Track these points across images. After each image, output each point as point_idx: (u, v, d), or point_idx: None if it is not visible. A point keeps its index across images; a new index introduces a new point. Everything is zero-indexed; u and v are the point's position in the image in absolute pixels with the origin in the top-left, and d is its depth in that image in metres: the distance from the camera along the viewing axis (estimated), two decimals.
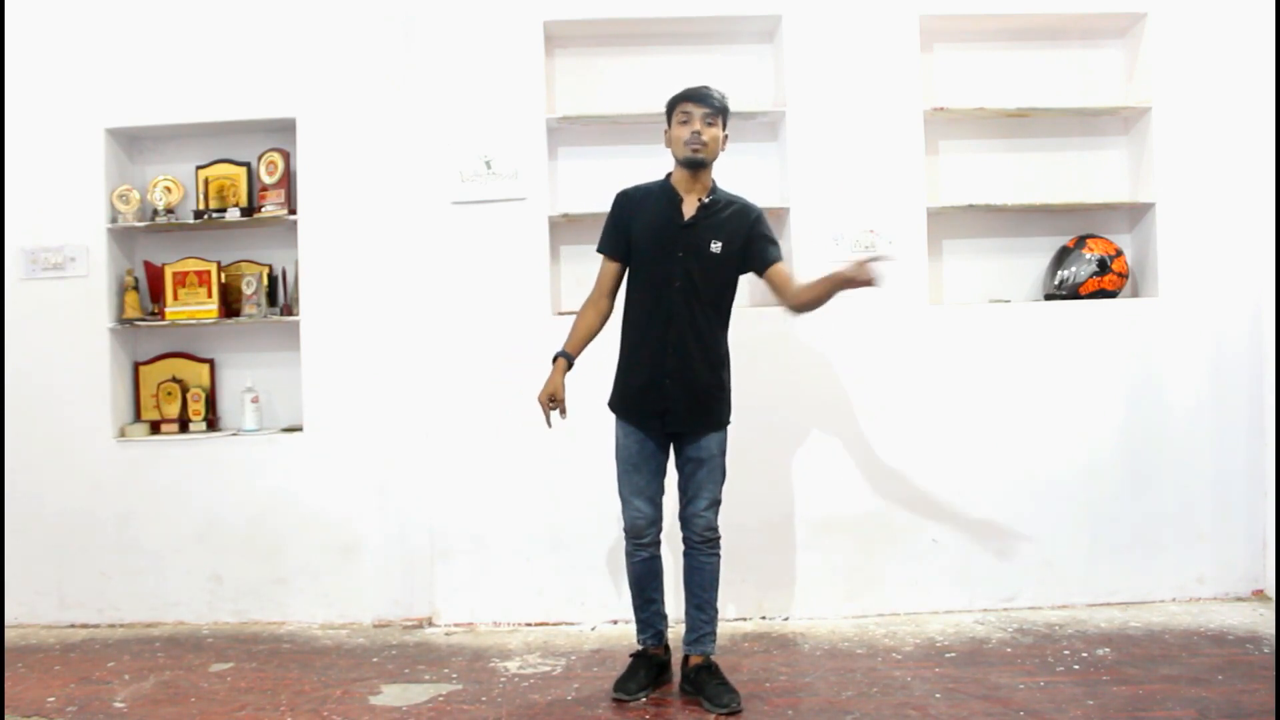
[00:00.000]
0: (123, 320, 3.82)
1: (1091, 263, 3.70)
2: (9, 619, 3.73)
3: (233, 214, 3.82)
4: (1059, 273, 3.74)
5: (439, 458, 3.67)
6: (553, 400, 2.88)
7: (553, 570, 3.63)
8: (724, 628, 3.43)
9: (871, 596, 3.63)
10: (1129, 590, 3.67)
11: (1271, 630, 3.33)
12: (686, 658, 2.93)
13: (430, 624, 3.67)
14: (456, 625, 3.64)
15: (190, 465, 3.77)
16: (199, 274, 3.81)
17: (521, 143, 3.65)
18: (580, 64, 3.84)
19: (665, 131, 2.92)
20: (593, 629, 3.56)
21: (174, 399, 3.87)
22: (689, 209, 2.87)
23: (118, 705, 2.96)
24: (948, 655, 3.20)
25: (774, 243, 2.92)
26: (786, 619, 3.62)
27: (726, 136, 2.91)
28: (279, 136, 3.84)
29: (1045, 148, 3.89)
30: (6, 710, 2.89)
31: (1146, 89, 3.74)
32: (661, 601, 3.00)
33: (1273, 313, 3.62)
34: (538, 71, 3.67)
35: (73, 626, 3.76)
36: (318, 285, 3.75)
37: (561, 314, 3.70)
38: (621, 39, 3.81)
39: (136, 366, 3.93)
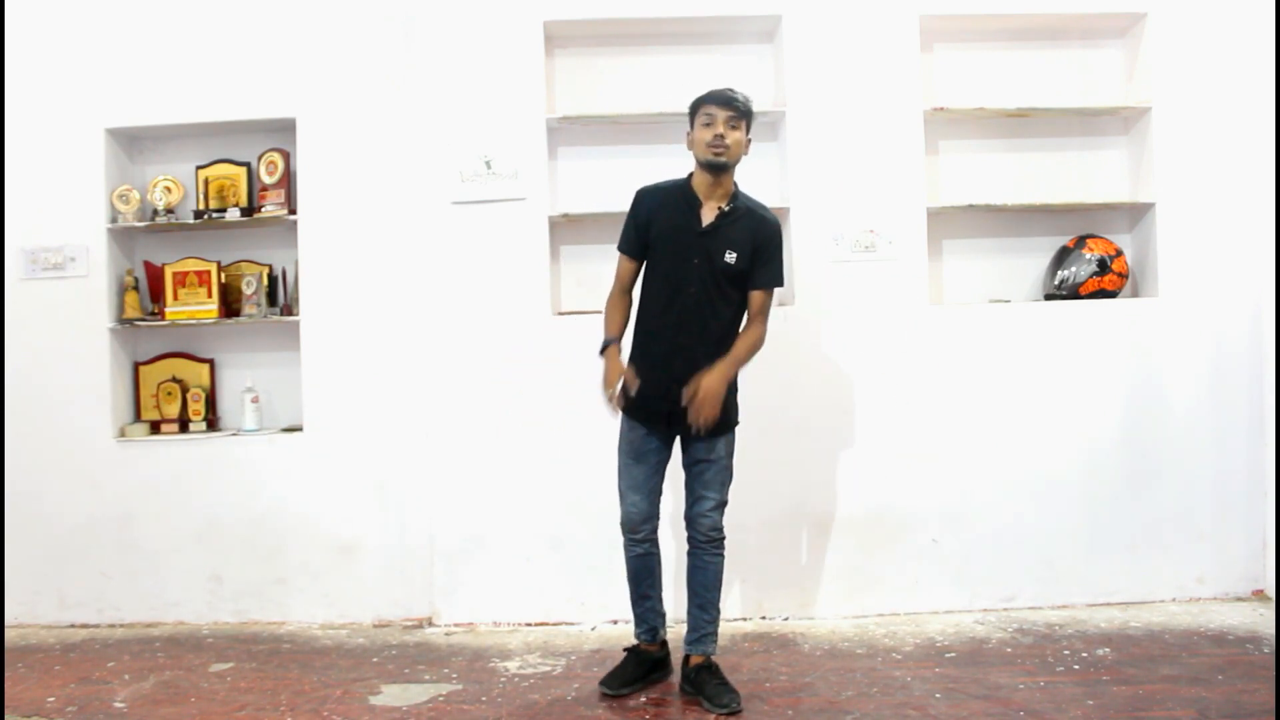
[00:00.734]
0: (123, 320, 3.82)
1: (1091, 263, 3.70)
2: (9, 619, 3.73)
3: (233, 214, 3.82)
4: (1059, 273, 3.74)
5: (439, 458, 3.67)
6: (617, 387, 2.83)
7: (553, 570, 3.63)
8: (724, 628, 3.43)
9: (871, 596, 3.63)
10: (1129, 590, 3.67)
11: (1271, 630, 3.33)
12: (687, 657, 2.93)
13: (430, 624, 3.67)
14: (456, 625, 3.64)
15: (190, 465, 3.77)
16: (199, 274, 3.81)
17: (521, 143, 3.65)
18: (580, 64, 3.84)
19: (687, 133, 2.88)
20: (593, 629, 3.56)
21: (174, 399, 3.86)
22: (708, 215, 2.83)
23: (118, 705, 2.96)
24: (948, 655, 3.20)
25: (774, 265, 2.87)
26: (786, 619, 3.62)
27: (750, 140, 2.86)
28: (279, 136, 3.84)
29: (1045, 148, 3.89)
30: (6, 710, 2.89)
31: (1146, 89, 3.74)
32: (658, 599, 3.00)
33: (1273, 313, 3.62)
34: (538, 71, 3.67)
35: (73, 626, 3.76)
36: (318, 285, 3.75)
37: (561, 314, 3.70)
38: (621, 39, 3.81)
39: (136, 366, 3.93)
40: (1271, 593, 3.65)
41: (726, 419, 2.88)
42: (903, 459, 3.65)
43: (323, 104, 3.75)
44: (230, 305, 3.86)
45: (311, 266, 3.75)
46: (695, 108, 2.84)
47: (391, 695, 2.97)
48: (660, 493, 2.95)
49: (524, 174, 3.65)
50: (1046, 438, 3.67)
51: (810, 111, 3.67)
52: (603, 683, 2.95)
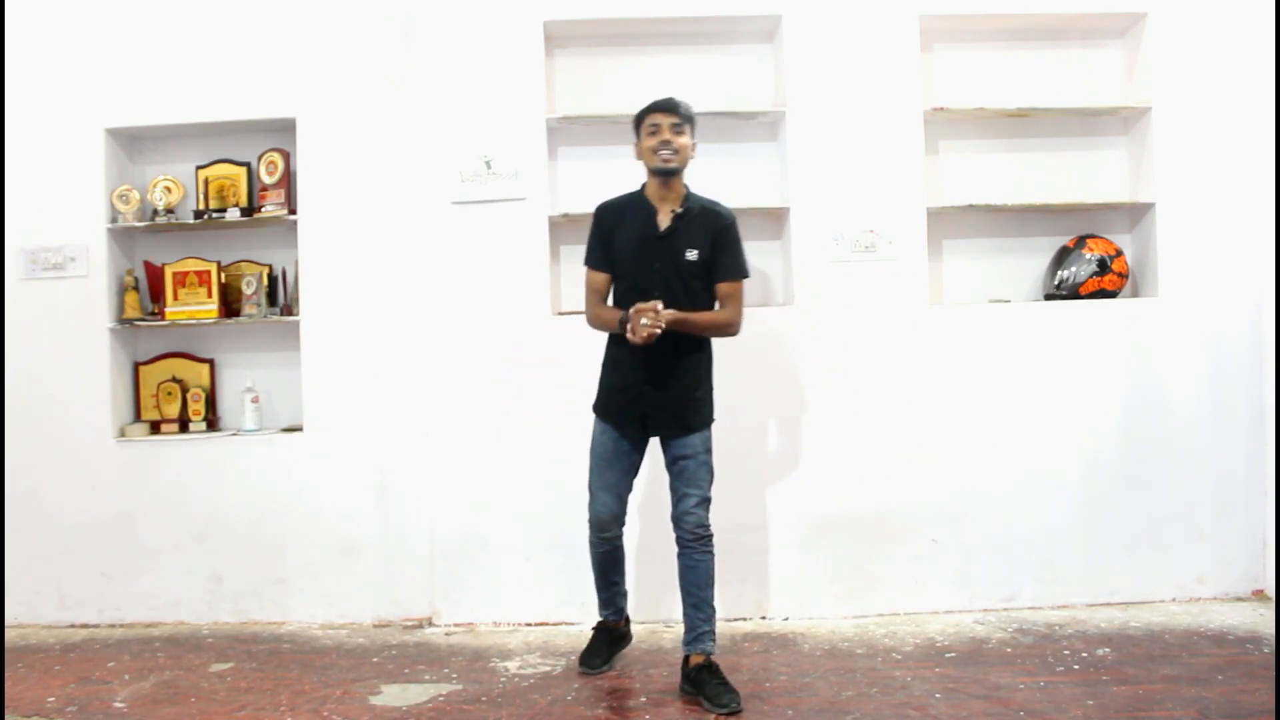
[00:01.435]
0: (123, 320, 3.82)
1: (1091, 263, 3.70)
2: (9, 619, 3.73)
3: (233, 214, 3.82)
4: (1059, 273, 3.74)
5: (439, 458, 3.67)
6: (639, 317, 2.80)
7: (553, 570, 3.62)
8: (724, 628, 3.44)
9: (871, 596, 3.63)
10: (1129, 590, 3.67)
11: (1271, 630, 3.33)
12: (686, 658, 2.93)
13: (430, 624, 3.67)
14: (456, 625, 3.64)
15: (190, 465, 3.77)
16: (199, 274, 3.81)
17: (521, 143, 3.65)
18: (580, 64, 3.84)
19: (635, 144, 3.00)
20: (592, 627, 3.55)
21: (174, 399, 3.86)
22: (664, 219, 2.95)
23: (118, 705, 2.96)
24: (948, 655, 3.20)
25: (733, 256, 2.96)
26: (786, 619, 3.62)
27: (695, 144, 2.98)
28: (279, 136, 3.84)
29: (1045, 148, 3.89)
30: (6, 710, 2.89)
31: (1146, 89, 3.74)
32: (623, 582, 3.16)
33: (1273, 313, 3.62)
34: (538, 71, 3.67)
35: (73, 626, 3.76)
36: (318, 285, 3.75)
37: (561, 314, 3.70)
38: (621, 39, 3.81)
39: (136, 366, 3.93)
40: (1271, 593, 3.65)
41: (699, 419, 2.97)
42: (903, 459, 3.65)
43: (323, 104, 3.75)
44: (230, 305, 3.86)
45: (311, 266, 3.75)
46: (640, 119, 2.97)
47: (391, 695, 2.97)
48: (629, 493, 3.05)
49: (524, 174, 3.65)
50: (1046, 438, 3.67)
51: (810, 111, 3.67)
52: (582, 662, 3.11)
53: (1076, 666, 3.07)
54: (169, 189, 3.84)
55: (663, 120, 2.91)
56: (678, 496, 2.96)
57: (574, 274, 3.78)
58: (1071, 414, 3.68)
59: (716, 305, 2.99)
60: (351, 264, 3.75)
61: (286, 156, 3.83)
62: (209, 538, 3.75)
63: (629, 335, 2.81)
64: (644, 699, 2.89)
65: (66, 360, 3.77)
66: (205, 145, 3.91)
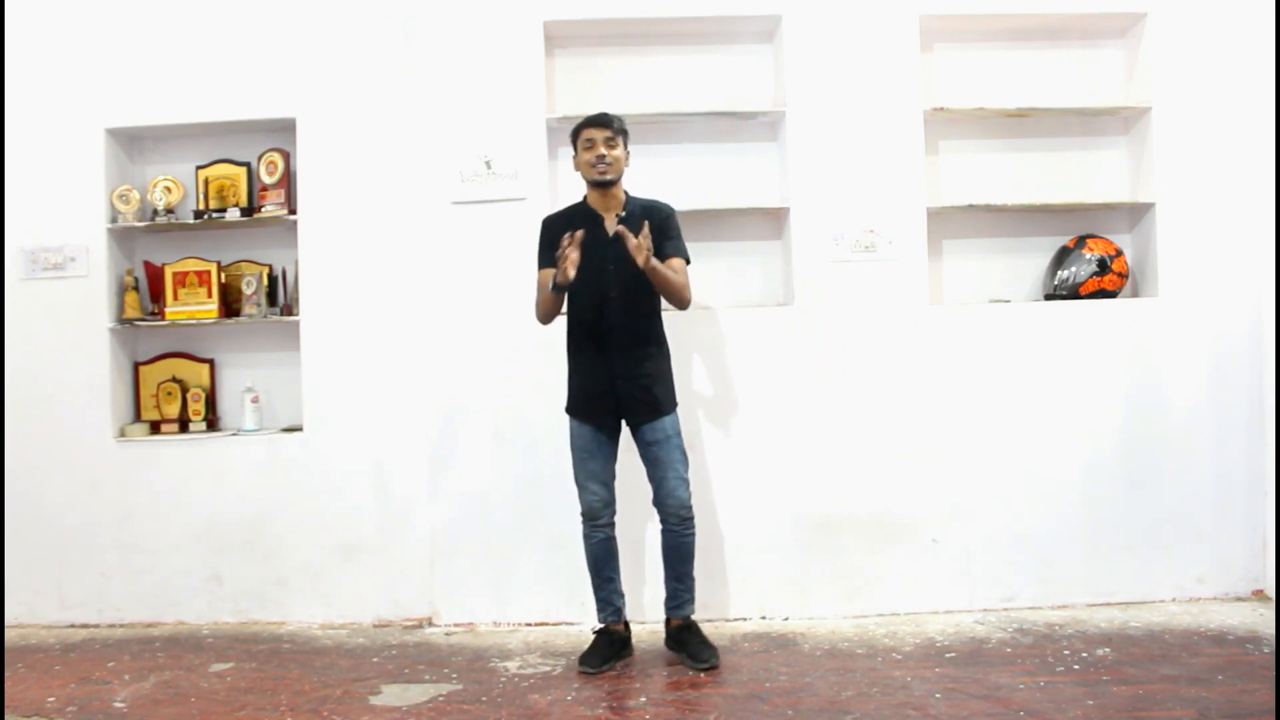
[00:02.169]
0: (123, 320, 3.82)
1: (1091, 263, 3.70)
2: (9, 619, 3.73)
3: (233, 214, 3.82)
4: (1059, 273, 3.74)
5: (439, 458, 3.67)
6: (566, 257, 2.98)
7: (553, 570, 3.62)
8: (724, 628, 3.44)
9: (871, 596, 3.63)
10: (1129, 590, 3.66)
11: (1271, 630, 3.33)
12: (668, 620, 3.23)
13: (430, 624, 3.67)
14: (456, 625, 3.64)
15: (190, 465, 3.77)
16: (199, 274, 3.81)
17: (521, 143, 3.65)
18: (580, 64, 3.84)
19: (573, 158, 3.21)
20: (592, 630, 3.55)
21: (174, 399, 3.86)
22: (610, 224, 3.15)
23: (118, 705, 2.96)
24: (948, 655, 3.20)
25: (672, 239, 3.17)
26: (786, 619, 3.61)
27: (629, 154, 3.20)
28: (279, 136, 3.84)
29: (1045, 148, 3.89)
30: (6, 710, 2.89)
31: (1146, 89, 3.74)
32: (619, 580, 3.27)
33: (1273, 313, 3.62)
34: (538, 71, 3.67)
35: (73, 626, 3.76)
36: (318, 285, 3.75)
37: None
38: (621, 39, 3.81)
39: (136, 366, 3.93)
40: (1271, 593, 3.65)
41: (666, 402, 3.17)
42: (903, 459, 3.65)
43: (323, 104, 3.75)
44: (230, 305, 3.86)
45: (311, 266, 3.75)
46: (575, 135, 3.17)
47: (391, 695, 2.97)
48: (614, 480, 3.22)
49: (524, 174, 3.65)
50: (1046, 438, 3.67)
51: (810, 111, 3.67)
52: (582, 662, 3.14)
53: (1076, 666, 3.07)
54: (169, 189, 3.84)
55: (597, 135, 3.11)
56: (657, 482, 3.17)
57: None
58: (1071, 414, 3.68)
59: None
60: (351, 264, 3.75)
61: (286, 156, 3.83)
62: (209, 538, 3.75)
63: (566, 269, 2.95)
64: (644, 699, 2.90)
65: (66, 360, 3.77)
66: (205, 145, 3.91)
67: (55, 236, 3.78)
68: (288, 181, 3.83)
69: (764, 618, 3.62)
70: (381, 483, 3.74)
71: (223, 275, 3.85)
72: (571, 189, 3.79)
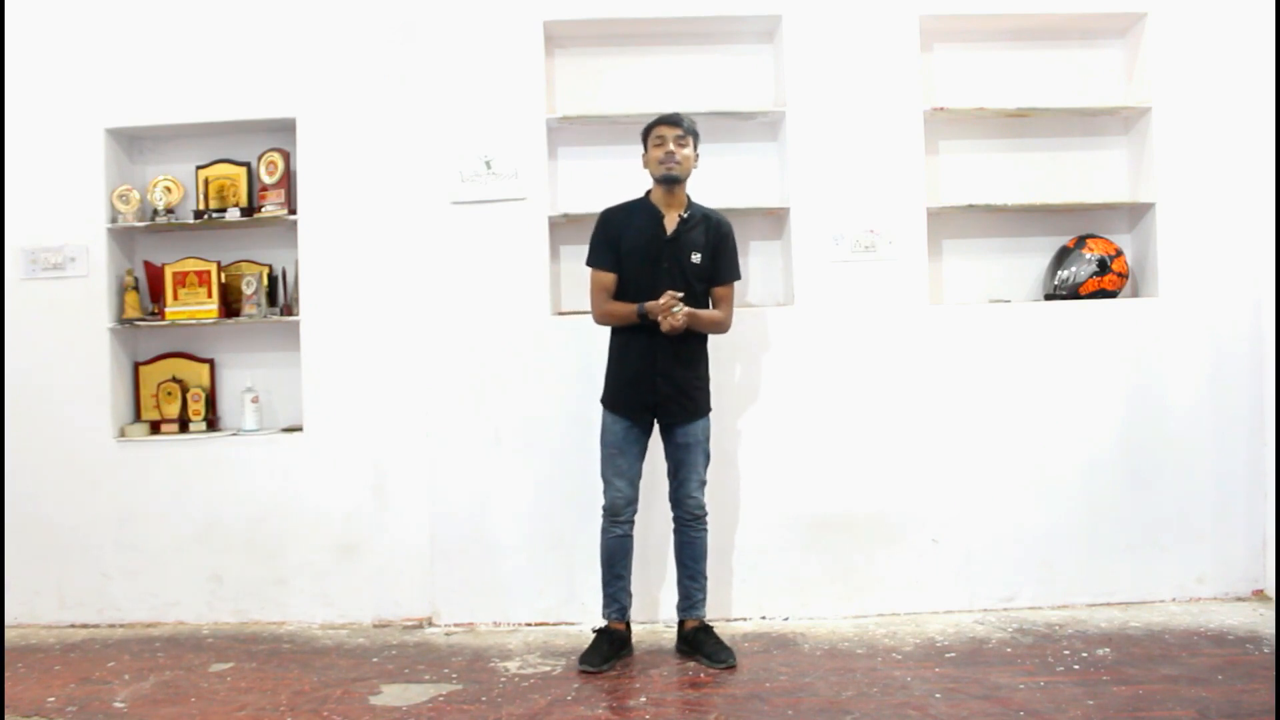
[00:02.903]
0: (123, 320, 3.82)
1: (1091, 263, 3.70)
2: (9, 619, 3.73)
3: (233, 214, 3.82)
4: (1059, 273, 3.74)
5: (439, 458, 3.67)
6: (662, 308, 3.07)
7: (553, 570, 3.62)
8: (724, 628, 3.44)
9: (871, 596, 3.63)
10: (1129, 590, 3.66)
11: (1271, 630, 3.33)
12: (682, 622, 3.25)
13: (430, 624, 3.67)
14: (456, 625, 3.64)
15: (190, 465, 3.77)
16: (199, 274, 3.81)
17: (521, 143, 3.65)
18: (580, 64, 3.84)
19: (643, 155, 3.24)
20: (593, 629, 3.55)
21: (174, 399, 3.86)
22: (670, 224, 3.19)
23: (118, 705, 2.96)
24: (948, 655, 3.20)
25: (731, 260, 3.26)
26: (786, 619, 3.61)
27: (698, 156, 3.22)
28: (279, 136, 3.84)
29: (1045, 148, 3.89)
30: (6, 710, 2.89)
31: (1146, 89, 3.74)
32: (629, 579, 3.27)
33: (1273, 313, 3.62)
34: (538, 71, 3.67)
35: (73, 626, 3.76)
36: (318, 285, 3.75)
37: (561, 314, 3.70)
38: (621, 39, 3.81)
39: (136, 366, 3.93)
40: (1271, 593, 3.65)
41: (702, 405, 3.24)
42: (903, 459, 3.65)
43: (323, 104, 3.75)
44: (230, 305, 3.86)
45: (311, 266, 3.75)
46: (646, 132, 3.22)
47: (391, 695, 2.97)
48: (640, 478, 3.24)
49: (524, 174, 3.65)
50: (1046, 438, 3.67)
51: (810, 111, 3.67)
52: (582, 660, 3.14)
53: (1076, 666, 3.07)
54: (169, 189, 3.84)
55: (667, 133, 3.14)
56: (679, 480, 3.23)
57: (573, 274, 3.79)
58: (1072, 414, 3.68)
59: (710, 305, 3.26)
60: (351, 264, 3.75)
61: (286, 156, 3.83)
62: (209, 538, 3.75)
63: (661, 321, 3.05)
64: (644, 699, 2.89)
65: (66, 360, 3.77)
66: (205, 145, 3.91)
67: (55, 236, 3.78)
68: (288, 181, 3.83)
69: (764, 618, 3.62)
70: (381, 483, 3.74)
71: (223, 275, 3.85)
72: (571, 189, 3.81)
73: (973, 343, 3.68)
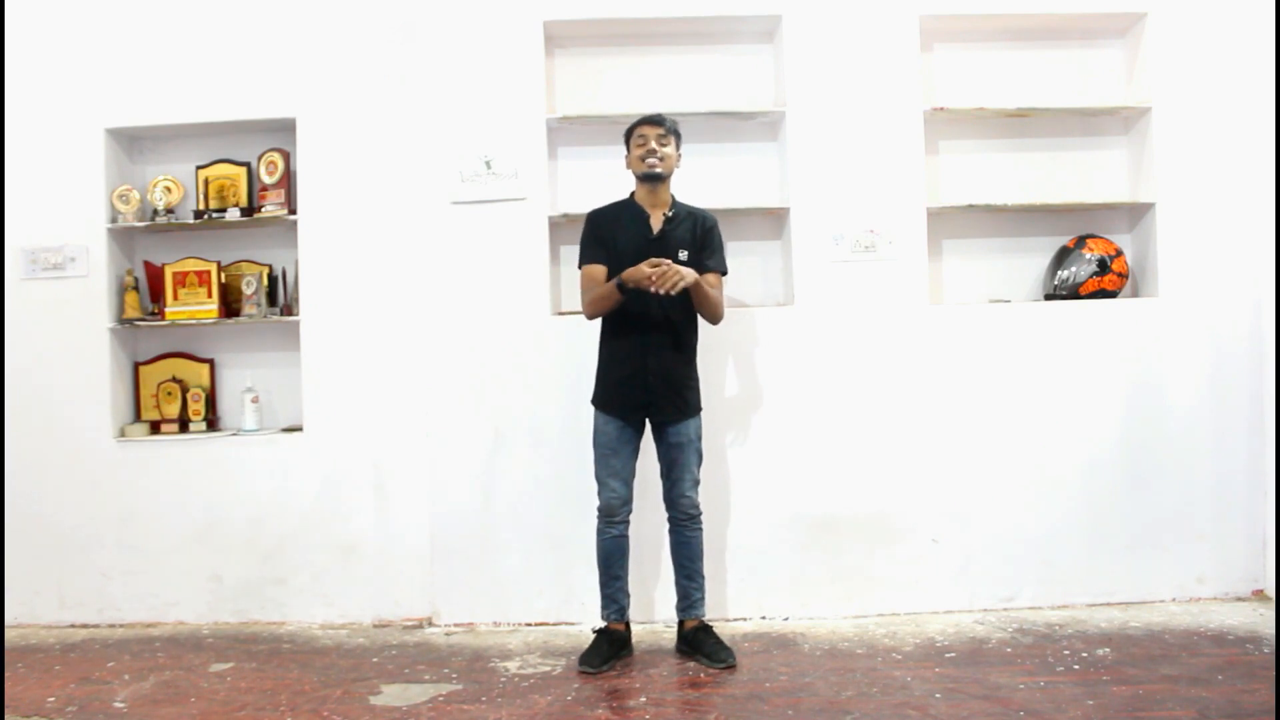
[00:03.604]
0: (123, 320, 3.82)
1: (1091, 263, 3.70)
2: (9, 619, 3.73)
3: (233, 214, 3.82)
4: (1059, 273, 3.74)
5: (439, 457, 3.67)
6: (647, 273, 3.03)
7: (553, 570, 3.63)
8: (724, 628, 3.44)
9: (871, 596, 3.63)
10: (1129, 590, 3.67)
11: (1271, 630, 3.34)
12: (682, 623, 3.26)
13: (430, 624, 3.67)
14: (456, 625, 3.64)
15: (190, 465, 3.77)
16: (199, 274, 3.81)
17: (521, 143, 3.65)
18: (580, 64, 3.84)
19: (625, 156, 3.26)
20: (593, 629, 3.55)
21: (174, 399, 3.86)
22: (656, 223, 3.21)
23: (118, 705, 2.96)
24: (948, 655, 3.20)
25: (717, 253, 3.25)
26: (786, 619, 3.62)
27: (680, 155, 3.24)
28: (279, 136, 3.84)
29: (1045, 148, 3.89)
30: (6, 710, 2.89)
31: (1146, 89, 3.74)
32: (626, 579, 3.27)
33: (1273, 313, 3.62)
34: (538, 71, 3.67)
35: (73, 626, 3.76)
36: (318, 285, 3.75)
37: (561, 314, 3.70)
38: (621, 39, 3.81)
39: (136, 366, 3.93)
40: (1271, 593, 3.65)
41: (693, 404, 3.24)
42: (903, 459, 3.65)
43: (323, 104, 3.75)
44: (230, 305, 3.86)
45: (311, 266, 3.75)
46: (629, 133, 3.24)
47: (391, 695, 2.97)
48: (634, 478, 3.25)
49: (524, 174, 3.65)
50: (1046, 438, 3.67)
51: (810, 111, 3.67)
52: (582, 661, 3.14)
53: (1076, 666, 3.07)
54: (169, 189, 3.84)
55: (649, 132, 3.18)
56: (672, 480, 3.24)
57: (574, 274, 3.77)
58: (1072, 414, 3.68)
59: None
60: (351, 264, 3.75)
61: (286, 156, 3.83)
62: (209, 538, 3.75)
63: (657, 282, 2.99)
64: (644, 699, 2.89)
65: (66, 360, 3.77)
66: (205, 145, 3.91)
67: (55, 236, 3.78)
68: (288, 181, 3.83)
69: (764, 618, 3.62)
70: (381, 483, 3.74)
71: (223, 275, 3.85)
72: (571, 189, 3.81)
73: (973, 343, 3.68)
